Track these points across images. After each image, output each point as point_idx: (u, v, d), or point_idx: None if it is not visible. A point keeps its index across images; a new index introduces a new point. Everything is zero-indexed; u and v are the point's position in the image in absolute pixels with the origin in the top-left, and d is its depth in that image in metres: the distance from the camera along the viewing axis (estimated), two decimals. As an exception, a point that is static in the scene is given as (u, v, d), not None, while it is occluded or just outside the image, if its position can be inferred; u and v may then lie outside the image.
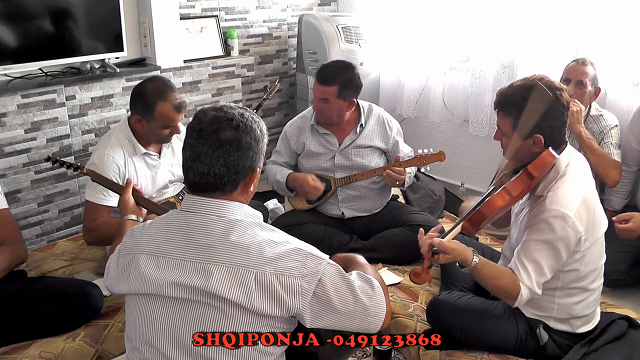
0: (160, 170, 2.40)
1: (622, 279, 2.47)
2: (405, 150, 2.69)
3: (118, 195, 2.09)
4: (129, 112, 2.34)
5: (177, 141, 2.47)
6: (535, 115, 1.69)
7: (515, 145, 1.75)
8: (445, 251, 1.66)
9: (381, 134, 2.64)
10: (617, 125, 2.67)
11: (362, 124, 2.61)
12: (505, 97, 1.76)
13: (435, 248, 1.65)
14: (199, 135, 1.28)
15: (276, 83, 2.97)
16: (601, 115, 2.69)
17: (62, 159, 2.17)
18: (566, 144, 1.78)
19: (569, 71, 2.65)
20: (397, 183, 2.51)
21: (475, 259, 1.69)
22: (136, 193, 2.00)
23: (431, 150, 2.53)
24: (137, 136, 2.31)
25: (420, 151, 2.53)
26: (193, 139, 1.29)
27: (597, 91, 2.67)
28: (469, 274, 1.74)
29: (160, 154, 2.40)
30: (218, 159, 1.27)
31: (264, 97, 2.90)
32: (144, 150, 2.32)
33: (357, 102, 2.62)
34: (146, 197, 2.13)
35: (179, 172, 2.46)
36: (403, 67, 3.83)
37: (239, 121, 1.29)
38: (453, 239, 1.73)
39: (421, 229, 1.78)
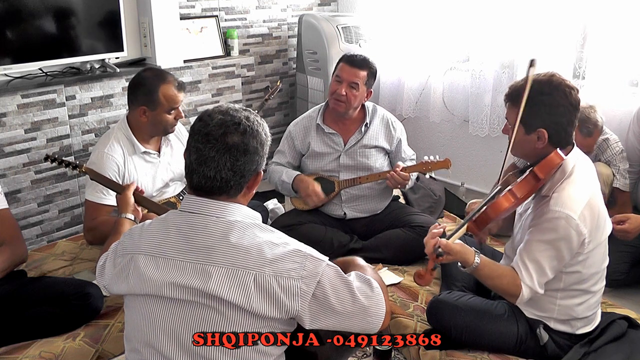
0: (160, 168, 2.40)
1: (622, 279, 2.47)
2: (408, 152, 2.69)
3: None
4: (128, 110, 2.34)
5: (175, 139, 2.47)
6: (541, 108, 1.69)
7: (519, 138, 1.76)
8: (449, 252, 1.66)
9: (385, 134, 2.65)
10: (622, 150, 2.61)
11: (367, 124, 2.61)
12: (514, 89, 1.77)
13: (440, 250, 1.65)
14: (206, 140, 1.27)
15: (278, 83, 2.97)
16: (605, 139, 2.61)
17: (60, 157, 2.17)
18: (573, 145, 1.77)
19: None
20: (399, 186, 2.53)
21: (477, 260, 1.70)
22: (137, 193, 2.00)
23: (437, 157, 2.52)
24: (136, 134, 2.31)
25: (426, 157, 2.52)
26: (199, 142, 1.28)
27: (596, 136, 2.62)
28: (470, 274, 1.74)
29: (159, 152, 2.40)
30: (225, 163, 1.26)
31: (266, 97, 2.90)
32: (143, 148, 2.33)
33: None
34: (146, 196, 2.13)
35: (178, 170, 2.46)
36: (403, 67, 3.83)
37: (246, 125, 1.29)
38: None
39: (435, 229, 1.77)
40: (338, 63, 2.58)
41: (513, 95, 1.77)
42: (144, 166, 2.35)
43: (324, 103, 2.69)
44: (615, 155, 2.60)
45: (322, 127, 2.63)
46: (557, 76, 1.73)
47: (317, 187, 2.56)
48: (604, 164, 2.57)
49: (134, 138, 2.31)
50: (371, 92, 2.58)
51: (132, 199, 1.94)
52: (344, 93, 2.50)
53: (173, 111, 2.28)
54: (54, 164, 2.19)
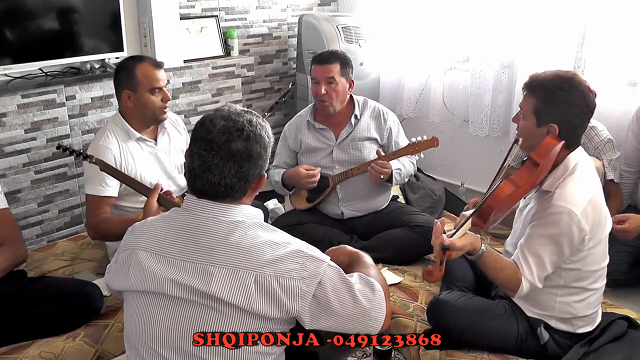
0: (158, 156, 2.38)
1: (622, 278, 2.46)
2: (402, 144, 2.67)
3: (118, 185, 2.10)
4: (118, 106, 2.35)
5: (172, 128, 2.46)
6: (557, 103, 1.70)
7: (530, 129, 1.77)
8: (456, 249, 1.66)
9: (376, 125, 2.65)
10: (610, 139, 2.59)
11: (356, 115, 2.62)
12: (535, 79, 1.78)
13: (445, 244, 1.66)
14: (209, 147, 1.26)
15: (290, 86, 3.05)
16: (593, 127, 2.59)
17: (72, 147, 2.20)
18: (578, 146, 1.78)
19: None
20: (382, 177, 2.48)
21: (483, 247, 1.71)
22: (164, 195, 2.01)
23: (424, 137, 2.52)
24: (130, 123, 2.30)
25: (413, 139, 2.53)
26: (202, 149, 1.27)
27: None
28: (474, 261, 1.75)
29: (156, 140, 2.38)
30: (230, 170, 1.26)
31: (279, 99, 2.95)
32: (138, 134, 2.31)
33: (352, 95, 2.65)
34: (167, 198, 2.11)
35: (176, 160, 2.44)
36: (403, 67, 3.83)
37: (249, 131, 1.28)
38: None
39: (438, 223, 1.76)
40: (310, 66, 2.61)
41: (532, 85, 1.77)
42: (142, 154, 2.32)
43: (313, 102, 2.70)
44: (603, 142, 2.57)
45: (312, 124, 2.65)
46: (579, 77, 1.74)
47: (306, 169, 2.56)
48: (594, 158, 2.56)
49: (128, 126, 2.29)
50: (352, 81, 2.59)
51: (155, 205, 1.96)
52: (324, 92, 2.52)
53: (157, 92, 2.26)
54: (65, 153, 2.19)
